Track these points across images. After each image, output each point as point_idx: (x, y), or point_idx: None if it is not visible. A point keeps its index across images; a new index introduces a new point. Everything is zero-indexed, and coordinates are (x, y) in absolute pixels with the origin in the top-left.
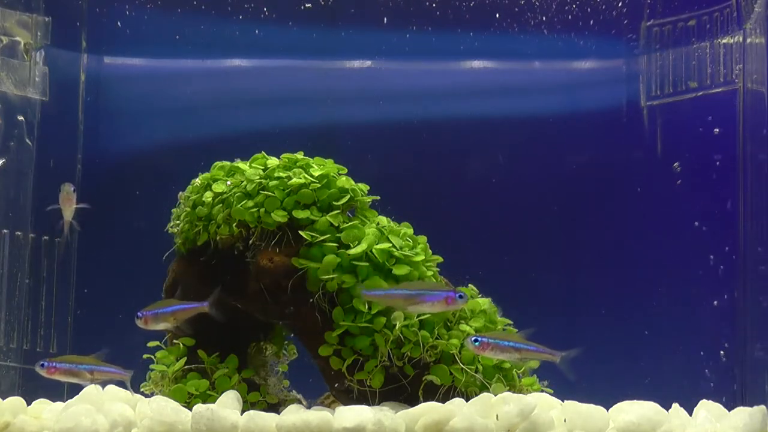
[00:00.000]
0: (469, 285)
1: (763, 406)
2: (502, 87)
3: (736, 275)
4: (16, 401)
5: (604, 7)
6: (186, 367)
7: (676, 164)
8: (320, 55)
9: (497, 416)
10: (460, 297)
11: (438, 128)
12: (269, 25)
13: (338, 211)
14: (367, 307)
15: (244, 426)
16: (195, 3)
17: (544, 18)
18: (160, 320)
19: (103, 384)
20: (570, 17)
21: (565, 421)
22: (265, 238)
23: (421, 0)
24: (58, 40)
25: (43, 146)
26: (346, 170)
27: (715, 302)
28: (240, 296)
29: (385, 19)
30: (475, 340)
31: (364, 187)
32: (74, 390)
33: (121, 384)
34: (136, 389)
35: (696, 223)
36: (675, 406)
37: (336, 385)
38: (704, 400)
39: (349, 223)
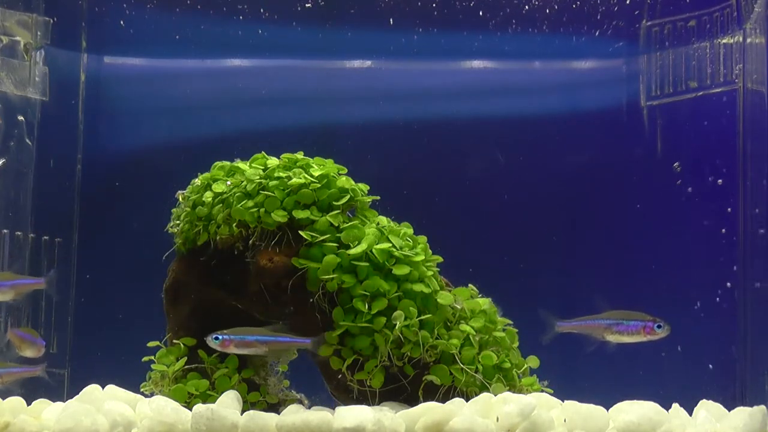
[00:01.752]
0: (469, 285)
1: (763, 406)
2: (502, 87)
3: (736, 274)
4: (16, 401)
5: (604, 6)
6: (186, 367)
7: (676, 164)
8: (320, 55)
9: (497, 418)
10: (659, 327)
11: (438, 128)
12: (269, 24)
13: (338, 211)
14: (366, 306)
15: (244, 426)
16: (195, 3)
17: (544, 18)
18: None
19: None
20: (570, 17)
21: (565, 421)
22: (265, 238)
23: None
24: (58, 40)
25: (43, 146)
26: (346, 170)
27: (716, 301)
28: (240, 296)
29: (385, 19)
30: (216, 338)
31: (364, 187)
32: (74, 390)
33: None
34: (136, 389)
35: (696, 223)
36: (675, 406)
37: (336, 384)
38: (704, 400)
39: (349, 223)
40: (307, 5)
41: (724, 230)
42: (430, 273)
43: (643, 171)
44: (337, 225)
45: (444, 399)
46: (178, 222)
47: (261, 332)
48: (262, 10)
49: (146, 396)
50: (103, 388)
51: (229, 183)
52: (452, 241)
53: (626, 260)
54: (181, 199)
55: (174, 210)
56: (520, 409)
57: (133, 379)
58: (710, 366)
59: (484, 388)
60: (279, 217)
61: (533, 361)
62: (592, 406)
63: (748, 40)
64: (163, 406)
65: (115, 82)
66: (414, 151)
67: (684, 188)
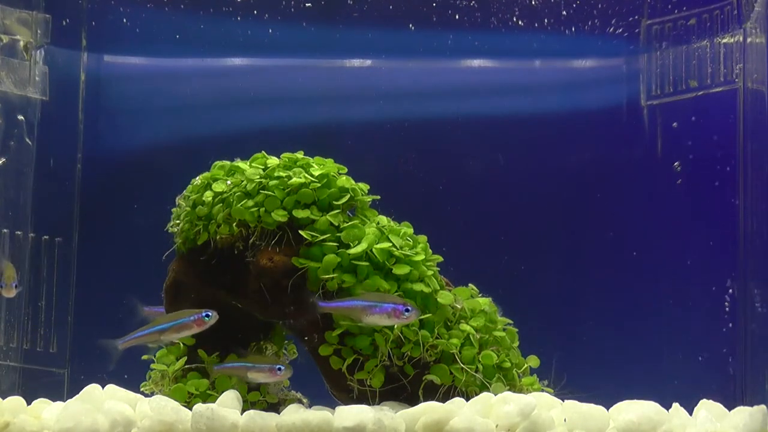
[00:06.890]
0: (470, 285)
1: (763, 406)
2: (502, 86)
3: (736, 274)
4: (16, 401)
5: (604, 5)
6: (186, 366)
7: (676, 163)
8: (320, 54)
9: (497, 426)
10: (407, 310)
11: (438, 128)
12: (269, 24)
13: (338, 211)
14: None
15: (244, 425)
16: (196, 2)
17: (543, 17)
18: None
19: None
20: (570, 16)
21: (565, 420)
22: (265, 238)
23: None
24: (58, 39)
25: (43, 146)
26: (346, 170)
27: (715, 301)
28: (240, 296)
29: (385, 17)
30: None
31: (364, 186)
32: (74, 390)
33: None
34: (136, 389)
35: (696, 223)
36: (675, 405)
37: (336, 384)
38: (704, 400)
39: (350, 223)
40: (307, 4)
41: (724, 229)
42: (430, 272)
43: (643, 170)
44: (337, 224)
45: (444, 398)
46: (178, 221)
47: None
48: (262, 10)
49: (146, 395)
50: (103, 388)
51: (229, 182)
52: (452, 241)
53: (626, 259)
54: (181, 201)
55: (174, 209)
56: (520, 409)
57: (133, 379)
58: (710, 366)
59: (484, 388)
60: (279, 216)
61: (533, 361)
62: (592, 405)
63: (749, 40)
64: (163, 406)
65: (116, 82)
66: (414, 150)
67: (684, 188)
